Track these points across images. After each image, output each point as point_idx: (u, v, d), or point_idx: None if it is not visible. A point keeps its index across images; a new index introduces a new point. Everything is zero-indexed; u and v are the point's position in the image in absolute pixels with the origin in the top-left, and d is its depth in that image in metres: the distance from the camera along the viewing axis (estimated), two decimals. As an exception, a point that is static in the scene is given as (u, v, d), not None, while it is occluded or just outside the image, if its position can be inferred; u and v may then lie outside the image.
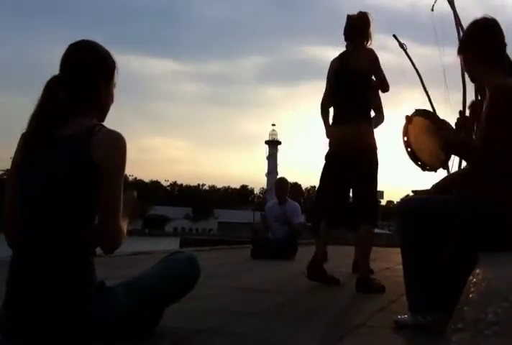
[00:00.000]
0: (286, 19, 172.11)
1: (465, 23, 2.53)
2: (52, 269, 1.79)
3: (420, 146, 2.46)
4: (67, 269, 1.81)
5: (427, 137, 2.43)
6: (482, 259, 1.90)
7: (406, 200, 2.60)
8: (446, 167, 2.42)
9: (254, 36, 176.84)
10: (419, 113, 2.53)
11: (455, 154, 2.35)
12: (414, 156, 2.45)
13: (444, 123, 2.46)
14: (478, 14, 2.45)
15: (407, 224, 2.33)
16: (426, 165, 2.46)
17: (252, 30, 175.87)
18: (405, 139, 2.48)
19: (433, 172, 2.53)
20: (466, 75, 2.60)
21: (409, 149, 2.46)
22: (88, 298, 1.81)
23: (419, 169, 2.47)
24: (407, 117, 2.51)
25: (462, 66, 2.51)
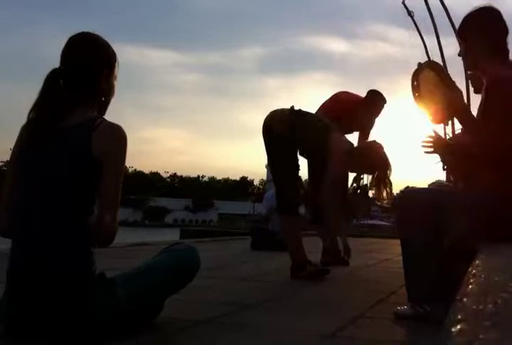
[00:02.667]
0: (286, 9, 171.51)
1: (463, 13, 2.48)
2: (52, 260, 1.79)
3: (428, 95, 2.43)
4: (67, 260, 1.81)
5: (435, 91, 2.40)
6: (482, 251, 1.90)
7: (406, 191, 2.60)
8: (446, 123, 2.39)
9: (253, 26, 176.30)
10: (432, 65, 2.51)
11: (457, 117, 2.33)
12: (421, 102, 2.43)
13: (454, 83, 2.43)
14: (477, 4, 2.44)
15: (407, 216, 2.34)
16: (430, 115, 2.43)
17: (252, 20, 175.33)
18: (415, 83, 2.46)
19: (435, 124, 2.50)
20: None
21: (417, 94, 2.44)
22: (89, 289, 1.81)
23: (424, 117, 2.44)
24: (419, 64, 2.48)
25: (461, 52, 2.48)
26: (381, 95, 5.02)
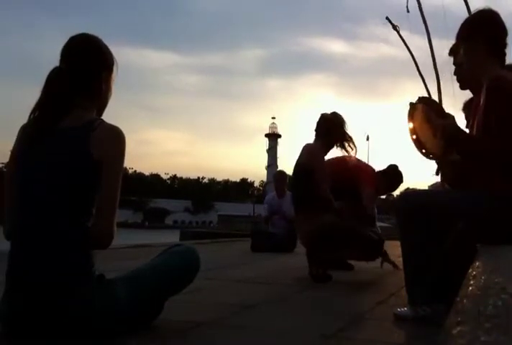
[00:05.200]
0: (287, 10, 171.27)
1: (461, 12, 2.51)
2: (51, 261, 1.79)
3: (424, 133, 2.44)
4: (67, 261, 1.81)
5: (430, 125, 2.41)
6: (482, 252, 1.90)
7: (406, 193, 2.60)
8: (448, 155, 2.40)
9: (254, 28, 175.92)
10: (422, 100, 2.53)
11: (452, 143, 2.34)
12: (419, 143, 2.44)
13: (444, 112, 2.45)
14: (477, 6, 2.45)
15: (407, 217, 2.33)
16: (430, 153, 2.44)
17: (253, 22, 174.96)
18: (411, 126, 2.47)
19: (436, 161, 2.52)
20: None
21: (414, 137, 2.45)
22: (88, 290, 1.81)
23: (423, 157, 2.45)
24: (411, 104, 2.50)
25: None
26: (401, 176, 5.11)
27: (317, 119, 4.22)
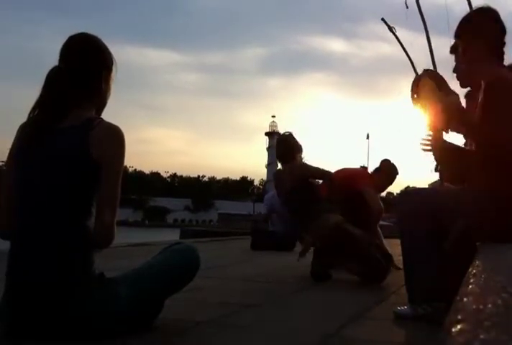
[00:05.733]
0: (287, 8, 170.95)
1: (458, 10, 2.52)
2: (51, 260, 1.79)
3: (425, 100, 2.44)
4: (67, 261, 1.81)
5: (432, 96, 2.41)
6: (482, 251, 1.90)
7: (406, 192, 2.60)
8: (447, 129, 2.40)
9: (255, 26, 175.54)
10: (429, 73, 2.54)
11: (454, 119, 2.34)
12: (419, 105, 2.45)
13: (449, 88, 2.45)
14: (477, 4, 2.45)
15: (407, 216, 2.34)
16: (432, 125, 2.44)
17: (253, 20, 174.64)
18: (415, 96, 2.48)
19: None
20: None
21: (415, 96, 2.46)
22: (88, 290, 1.81)
23: (427, 127, 2.45)
24: (417, 75, 2.52)
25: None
26: (395, 168, 5.25)
27: (275, 150, 4.38)
